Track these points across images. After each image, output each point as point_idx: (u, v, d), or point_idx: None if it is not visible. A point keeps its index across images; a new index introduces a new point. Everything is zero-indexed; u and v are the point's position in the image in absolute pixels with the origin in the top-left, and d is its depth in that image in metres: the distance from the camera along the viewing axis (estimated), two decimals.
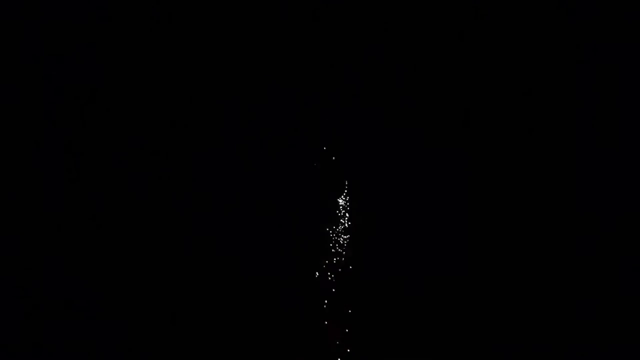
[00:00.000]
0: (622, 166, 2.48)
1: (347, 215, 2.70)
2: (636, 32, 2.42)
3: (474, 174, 2.57)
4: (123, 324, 2.47)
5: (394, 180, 2.62)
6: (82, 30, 2.45)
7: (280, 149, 2.59)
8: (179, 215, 2.56)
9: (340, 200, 2.72)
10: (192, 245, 2.56)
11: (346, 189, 2.69)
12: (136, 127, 2.51)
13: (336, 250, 2.68)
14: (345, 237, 2.69)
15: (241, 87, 2.54)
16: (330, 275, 2.69)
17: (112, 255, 2.49)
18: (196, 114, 2.55)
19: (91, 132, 2.49)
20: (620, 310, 2.42)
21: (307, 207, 2.66)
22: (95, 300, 2.47)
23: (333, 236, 2.72)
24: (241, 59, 2.54)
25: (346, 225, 2.69)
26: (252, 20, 2.51)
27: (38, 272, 2.44)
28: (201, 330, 2.51)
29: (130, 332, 2.47)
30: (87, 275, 2.47)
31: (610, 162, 2.49)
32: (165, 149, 2.53)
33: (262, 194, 2.60)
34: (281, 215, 2.62)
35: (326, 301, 2.66)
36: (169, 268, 2.53)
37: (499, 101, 2.52)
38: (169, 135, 2.52)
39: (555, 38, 2.45)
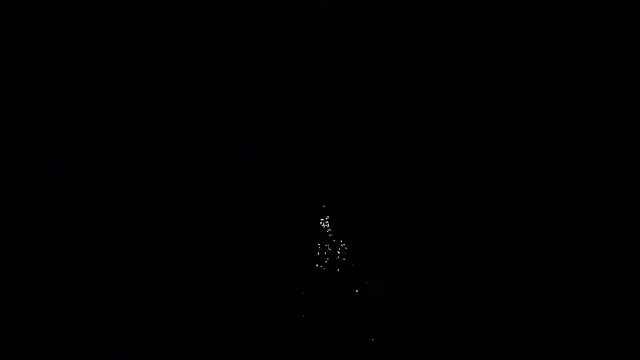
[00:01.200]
0: (621, 166, 2.47)
1: (344, 215, 2.70)
2: (636, 33, 2.41)
3: (472, 174, 2.57)
4: (122, 324, 2.48)
5: (391, 180, 2.62)
6: (81, 31, 2.45)
7: (275, 148, 2.59)
8: (175, 215, 2.56)
9: (336, 200, 2.71)
10: (189, 245, 2.56)
11: (343, 189, 2.68)
12: (133, 127, 2.51)
13: (333, 250, 2.68)
14: (342, 237, 2.69)
15: (237, 86, 2.55)
16: (329, 275, 2.69)
17: (111, 255, 2.50)
18: (192, 113, 2.55)
19: (90, 132, 2.50)
20: (619, 310, 2.41)
21: (304, 207, 2.67)
22: (95, 300, 2.47)
23: (329, 235, 2.72)
24: (238, 60, 2.54)
25: (343, 225, 2.68)
26: (251, 21, 2.51)
27: (37, 272, 2.45)
28: (198, 331, 2.52)
29: (129, 332, 2.48)
30: (85, 276, 2.47)
31: (610, 162, 2.49)
32: (161, 148, 2.54)
33: (257, 194, 2.60)
34: (276, 215, 2.62)
35: (324, 301, 2.66)
36: (167, 268, 2.53)
37: (496, 102, 2.51)
38: (166, 134, 2.52)
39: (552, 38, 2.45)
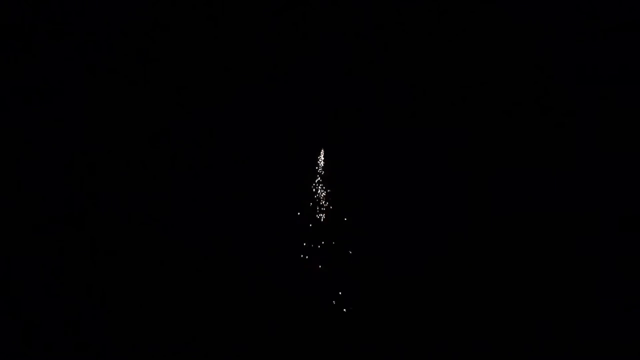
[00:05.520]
0: (621, 166, 2.47)
1: (342, 214, 2.71)
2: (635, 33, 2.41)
3: (468, 173, 2.57)
4: (122, 324, 2.48)
5: (388, 177, 2.62)
6: (81, 31, 2.45)
7: (274, 147, 2.59)
8: (174, 214, 2.57)
9: (336, 198, 2.72)
10: (188, 244, 2.57)
11: (341, 187, 2.68)
12: (133, 127, 2.52)
13: (332, 249, 2.68)
14: (341, 235, 2.69)
15: (237, 87, 2.55)
16: (327, 274, 2.69)
17: (111, 256, 2.50)
18: (192, 114, 2.56)
19: (91, 133, 2.50)
20: (619, 310, 2.41)
21: (304, 205, 2.66)
22: (97, 301, 2.47)
23: (329, 233, 2.72)
24: (237, 60, 2.54)
25: (342, 223, 2.68)
26: (249, 21, 2.51)
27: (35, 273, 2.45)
28: (197, 331, 2.52)
29: (129, 333, 2.48)
30: (87, 276, 2.47)
31: (609, 162, 2.49)
32: (161, 149, 2.54)
33: (257, 193, 2.60)
34: (275, 213, 2.62)
35: (322, 300, 2.65)
36: (165, 267, 2.53)
37: (493, 102, 2.51)
38: (165, 135, 2.53)
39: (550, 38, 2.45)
